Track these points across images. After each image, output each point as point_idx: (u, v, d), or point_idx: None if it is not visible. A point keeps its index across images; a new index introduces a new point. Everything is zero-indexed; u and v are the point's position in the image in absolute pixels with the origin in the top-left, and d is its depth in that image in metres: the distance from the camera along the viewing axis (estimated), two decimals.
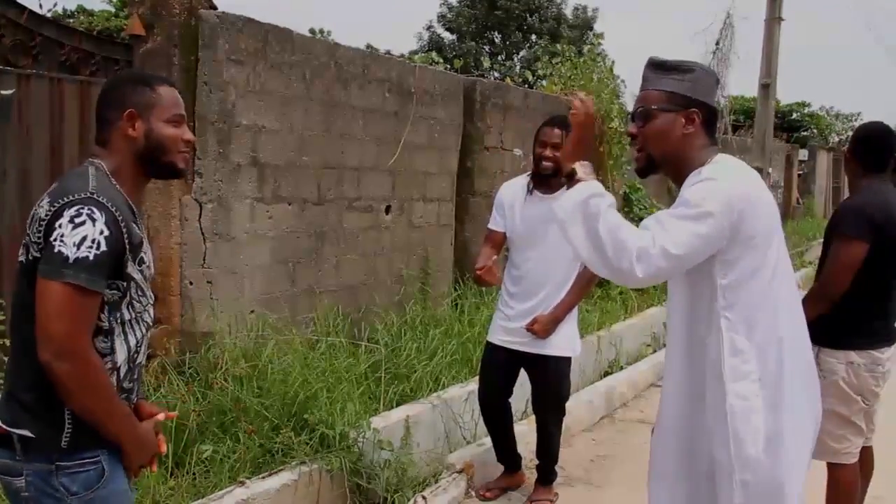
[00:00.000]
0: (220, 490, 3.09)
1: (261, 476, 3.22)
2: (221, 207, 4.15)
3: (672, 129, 2.03)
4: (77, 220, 1.63)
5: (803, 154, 20.27)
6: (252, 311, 4.34)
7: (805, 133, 24.09)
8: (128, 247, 1.72)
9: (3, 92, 3.36)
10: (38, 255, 1.67)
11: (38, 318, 1.63)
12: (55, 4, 4.63)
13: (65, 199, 1.67)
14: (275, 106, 4.41)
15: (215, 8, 4.10)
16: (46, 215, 1.67)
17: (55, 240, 1.63)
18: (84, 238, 1.62)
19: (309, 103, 4.65)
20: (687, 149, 2.04)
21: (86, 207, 1.65)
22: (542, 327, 3.59)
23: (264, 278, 4.44)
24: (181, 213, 3.99)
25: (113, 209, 1.69)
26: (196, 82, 3.98)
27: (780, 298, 2.00)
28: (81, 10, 10.54)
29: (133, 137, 1.81)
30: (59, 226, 1.64)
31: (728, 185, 1.93)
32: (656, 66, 2.09)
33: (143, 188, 1.94)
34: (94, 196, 1.68)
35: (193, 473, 3.23)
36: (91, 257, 1.62)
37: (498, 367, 3.80)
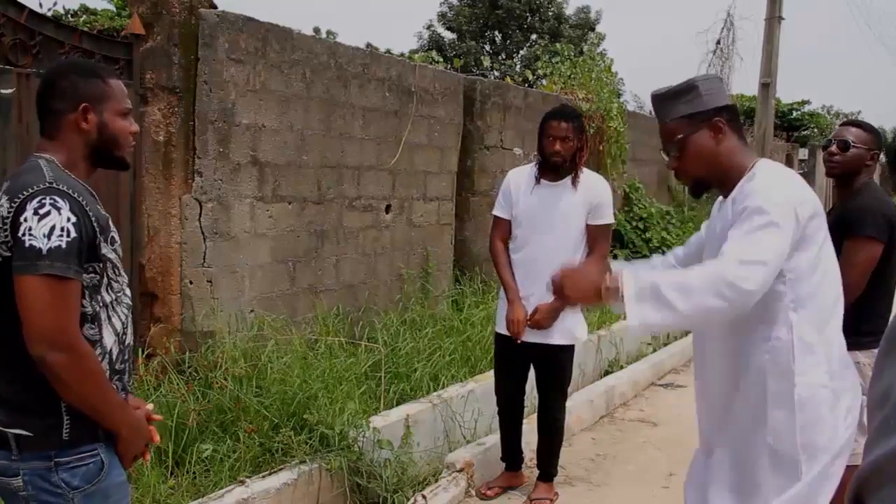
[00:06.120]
0: (220, 489, 3.10)
1: (261, 475, 3.22)
2: (221, 206, 4.15)
3: (705, 146, 2.06)
4: (41, 212, 1.63)
5: (803, 153, 20.26)
6: (252, 311, 4.34)
7: (805, 132, 24.08)
8: (97, 229, 1.71)
9: (3, 91, 3.35)
10: (8, 254, 1.66)
11: (24, 315, 1.62)
12: (55, 3, 4.61)
13: (24, 192, 1.65)
14: (275, 105, 4.41)
15: (215, 7, 4.09)
16: (9, 213, 1.65)
17: (23, 235, 1.62)
18: (52, 228, 1.62)
19: (309, 102, 4.65)
20: (727, 156, 2.06)
21: (48, 198, 1.64)
22: (543, 317, 3.63)
23: (264, 277, 4.44)
24: (181, 212, 3.99)
25: (75, 195, 1.68)
26: (196, 81, 3.98)
27: (834, 291, 2.05)
28: (84, 9, 10.54)
29: (86, 130, 1.79)
30: (25, 220, 1.62)
31: (785, 189, 1.97)
32: (662, 99, 2.11)
33: (91, 177, 1.90)
34: (54, 185, 1.67)
35: (193, 472, 3.23)
36: (63, 245, 1.62)
37: (510, 357, 3.85)
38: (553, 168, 3.69)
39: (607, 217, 3.72)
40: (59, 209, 1.63)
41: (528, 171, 3.83)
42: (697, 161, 2.07)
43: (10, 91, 3.36)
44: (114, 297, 1.78)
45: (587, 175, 3.74)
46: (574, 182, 3.69)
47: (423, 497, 3.60)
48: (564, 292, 2.03)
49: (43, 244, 1.60)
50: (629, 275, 1.94)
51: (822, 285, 2.00)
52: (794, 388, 1.96)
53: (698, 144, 2.06)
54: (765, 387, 2.00)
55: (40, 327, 1.60)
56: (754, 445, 2.02)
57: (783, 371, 1.98)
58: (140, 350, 3.79)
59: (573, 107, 4.34)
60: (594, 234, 3.69)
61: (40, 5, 3.90)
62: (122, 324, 1.81)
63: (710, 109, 2.05)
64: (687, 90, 2.07)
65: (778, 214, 1.90)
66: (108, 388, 1.73)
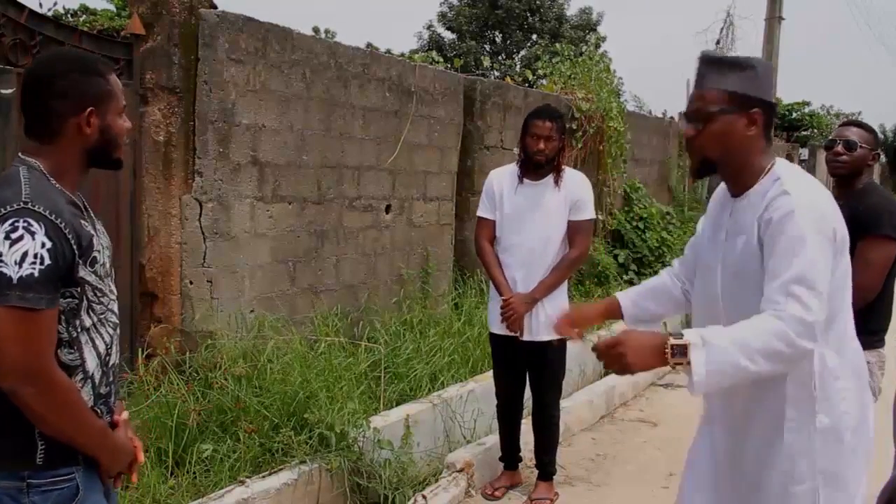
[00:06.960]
0: (220, 489, 3.10)
1: (261, 475, 3.23)
2: (221, 207, 4.15)
3: (733, 131, 1.89)
4: (14, 236, 1.50)
5: (803, 153, 20.29)
6: (252, 311, 4.34)
7: (805, 132, 24.09)
8: (76, 252, 1.59)
9: (3, 91, 3.35)
10: None
11: None
12: (55, 3, 4.63)
13: None
14: (275, 105, 4.41)
15: (215, 7, 4.09)
16: None
17: None
18: (25, 254, 1.50)
19: (309, 102, 4.65)
20: (748, 152, 1.90)
21: (21, 220, 1.52)
22: (519, 302, 3.67)
23: (264, 277, 4.44)
24: (181, 212, 3.99)
25: (52, 217, 1.55)
26: (196, 82, 3.97)
27: (848, 306, 1.92)
28: (84, 9, 10.55)
29: (87, 134, 1.67)
30: None
31: (820, 206, 1.81)
32: (714, 63, 1.93)
33: (84, 178, 1.77)
34: (29, 206, 1.54)
35: (194, 472, 3.24)
36: (36, 273, 1.51)
37: (508, 356, 3.87)
38: (536, 166, 3.76)
39: (588, 213, 3.79)
40: (32, 234, 1.51)
41: (509, 170, 3.91)
42: (717, 142, 1.90)
43: (10, 91, 3.36)
44: (96, 319, 1.68)
45: (568, 173, 3.82)
46: (557, 181, 3.76)
47: (424, 497, 3.60)
48: (627, 360, 1.75)
49: (13, 272, 1.49)
50: (694, 331, 1.75)
51: (842, 297, 1.88)
52: (816, 414, 1.85)
53: (727, 126, 1.88)
54: (782, 415, 1.89)
55: (8, 359, 1.51)
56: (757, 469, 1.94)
57: (805, 401, 1.86)
58: (140, 350, 3.80)
59: (555, 106, 4.38)
60: (574, 230, 3.76)
61: (40, 5, 3.91)
62: (107, 345, 1.72)
63: (755, 98, 1.88)
64: (743, 66, 1.89)
65: (819, 238, 1.75)
66: (86, 417, 1.64)
